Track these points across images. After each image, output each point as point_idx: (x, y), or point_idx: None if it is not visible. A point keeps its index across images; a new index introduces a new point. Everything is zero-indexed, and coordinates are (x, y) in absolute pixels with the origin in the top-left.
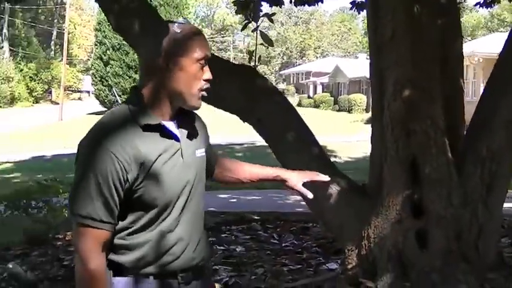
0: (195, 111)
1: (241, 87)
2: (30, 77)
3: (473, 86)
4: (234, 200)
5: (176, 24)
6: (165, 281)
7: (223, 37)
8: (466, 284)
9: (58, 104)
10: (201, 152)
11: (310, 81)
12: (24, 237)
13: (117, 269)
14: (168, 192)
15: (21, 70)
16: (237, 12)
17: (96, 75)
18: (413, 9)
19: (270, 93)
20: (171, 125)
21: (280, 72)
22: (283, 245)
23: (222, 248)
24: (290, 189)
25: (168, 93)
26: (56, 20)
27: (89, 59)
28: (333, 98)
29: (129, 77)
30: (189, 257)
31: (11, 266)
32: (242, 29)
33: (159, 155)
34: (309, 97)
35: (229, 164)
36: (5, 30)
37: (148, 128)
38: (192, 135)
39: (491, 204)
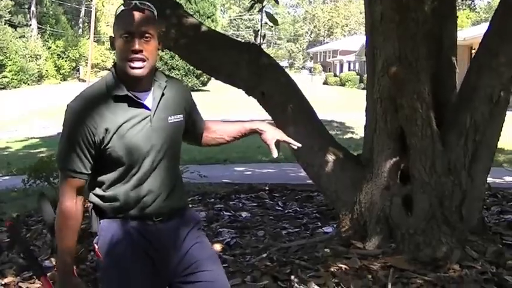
0: (178, 81)
1: (247, 64)
2: (58, 54)
3: None
4: (249, 173)
5: (124, 5)
6: (142, 222)
7: (251, 15)
8: (447, 245)
9: (85, 81)
10: (175, 118)
11: (337, 59)
12: None
13: (103, 214)
14: (133, 152)
15: (49, 48)
16: None
17: None
18: None
19: (273, 70)
20: (141, 95)
21: (308, 51)
22: (286, 211)
23: (228, 213)
24: (263, 141)
25: (118, 68)
26: None
27: None
28: (358, 77)
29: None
30: (160, 206)
31: None
32: (248, 10)
33: (125, 121)
34: (335, 75)
35: (214, 126)
36: (33, 8)
37: (117, 98)
38: (166, 103)
39: (475, 173)
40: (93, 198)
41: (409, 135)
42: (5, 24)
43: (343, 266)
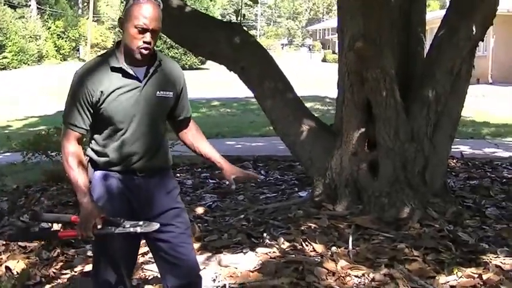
0: (173, 63)
1: (228, 41)
2: (57, 34)
3: (485, 41)
4: (239, 146)
5: None
6: (128, 175)
7: None
8: (410, 206)
9: (85, 61)
10: (163, 94)
11: (336, 36)
12: (45, 176)
13: (96, 166)
14: (122, 114)
15: (49, 28)
16: None
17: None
18: None
19: (252, 47)
20: (135, 69)
21: (307, 28)
22: (267, 179)
23: (213, 181)
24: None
25: (124, 46)
26: None
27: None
28: None
29: None
30: (144, 165)
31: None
32: None
33: (117, 88)
34: (333, 52)
35: (195, 133)
36: None
37: (114, 69)
38: (157, 79)
39: (437, 141)
40: (89, 152)
41: (374, 105)
42: (4, 5)
43: (313, 225)
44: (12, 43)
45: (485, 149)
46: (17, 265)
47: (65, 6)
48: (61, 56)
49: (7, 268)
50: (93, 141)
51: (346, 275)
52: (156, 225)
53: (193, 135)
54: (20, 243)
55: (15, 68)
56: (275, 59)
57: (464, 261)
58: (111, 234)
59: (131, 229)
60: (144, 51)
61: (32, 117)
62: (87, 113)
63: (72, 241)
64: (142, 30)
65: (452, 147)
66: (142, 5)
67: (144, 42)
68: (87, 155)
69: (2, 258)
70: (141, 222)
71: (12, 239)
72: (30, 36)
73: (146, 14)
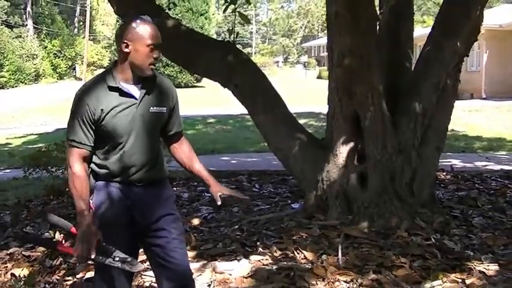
0: (166, 80)
1: (222, 59)
2: (54, 53)
3: (478, 57)
4: (235, 162)
5: (138, 19)
6: (126, 185)
7: (245, 11)
8: (398, 216)
9: (81, 80)
10: (156, 109)
11: None
12: (45, 190)
13: (97, 177)
14: (120, 130)
15: (46, 47)
16: None
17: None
18: None
19: (245, 65)
20: (131, 87)
21: (302, 45)
22: (261, 192)
23: (208, 194)
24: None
25: (130, 65)
26: None
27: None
28: None
29: None
30: (141, 176)
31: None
32: (224, 11)
33: (115, 106)
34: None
35: (186, 150)
36: (28, 8)
37: (111, 89)
38: (151, 96)
39: (424, 153)
40: (91, 164)
41: (362, 119)
42: (1, 25)
43: (304, 235)
44: (9, 62)
45: (477, 163)
46: (22, 272)
47: (61, 26)
48: (57, 75)
49: (12, 275)
50: (94, 155)
51: (335, 280)
52: (141, 266)
53: (184, 152)
54: (23, 252)
55: (13, 87)
56: (270, 77)
57: (449, 268)
58: (102, 263)
59: (119, 264)
60: (153, 67)
61: (30, 134)
62: (90, 130)
63: None
64: (154, 48)
65: (443, 160)
66: (149, 26)
67: (155, 58)
68: (89, 167)
69: (7, 267)
70: (129, 259)
71: (19, 237)
72: (27, 56)
73: (154, 33)
